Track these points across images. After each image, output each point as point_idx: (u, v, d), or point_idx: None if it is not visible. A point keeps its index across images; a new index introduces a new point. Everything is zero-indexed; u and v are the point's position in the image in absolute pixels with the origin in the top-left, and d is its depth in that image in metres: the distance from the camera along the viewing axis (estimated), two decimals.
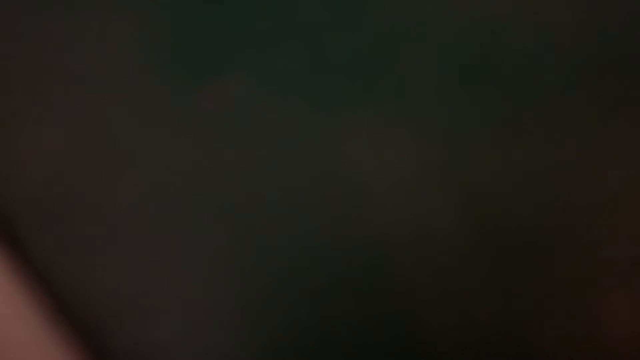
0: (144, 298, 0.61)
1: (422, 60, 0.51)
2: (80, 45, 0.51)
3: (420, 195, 0.56)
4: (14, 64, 0.52)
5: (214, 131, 0.54)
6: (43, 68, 0.52)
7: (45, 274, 0.60)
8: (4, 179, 0.56)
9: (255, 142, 0.55)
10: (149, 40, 0.51)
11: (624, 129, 0.53)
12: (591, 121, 0.53)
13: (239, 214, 0.58)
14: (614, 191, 0.55)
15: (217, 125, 0.54)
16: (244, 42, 0.51)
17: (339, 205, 0.57)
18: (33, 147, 0.55)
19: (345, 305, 0.62)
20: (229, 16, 0.50)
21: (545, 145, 0.54)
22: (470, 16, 0.50)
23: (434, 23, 0.50)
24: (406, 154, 0.55)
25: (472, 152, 0.54)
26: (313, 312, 0.62)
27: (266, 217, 0.58)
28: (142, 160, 0.55)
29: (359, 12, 0.50)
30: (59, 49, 0.51)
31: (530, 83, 0.52)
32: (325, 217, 0.58)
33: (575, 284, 0.59)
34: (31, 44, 0.51)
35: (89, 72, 0.52)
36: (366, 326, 0.63)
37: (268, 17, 0.50)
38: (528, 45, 0.50)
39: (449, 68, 0.52)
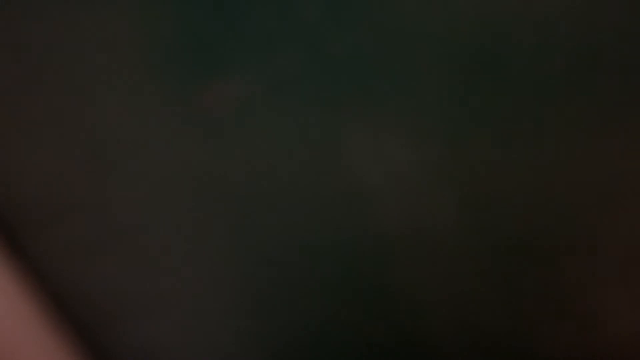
0: (144, 298, 0.61)
1: (422, 60, 0.51)
2: (81, 46, 0.51)
3: (420, 195, 0.57)
4: (14, 65, 0.52)
5: (214, 131, 0.54)
6: (42, 70, 0.52)
7: (46, 275, 0.60)
8: (4, 181, 0.56)
9: (255, 143, 0.55)
10: (150, 41, 0.51)
11: (624, 129, 0.53)
12: (591, 121, 0.53)
13: (239, 214, 0.58)
14: (614, 191, 0.55)
15: (217, 125, 0.54)
16: (244, 43, 0.51)
17: (339, 204, 0.57)
18: (33, 148, 0.55)
19: (346, 305, 0.62)
20: (230, 17, 0.50)
21: (546, 145, 0.54)
22: (470, 16, 0.50)
23: (434, 23, 0.50)
24: (406, 154, 0.55)
25: (472, 152, 0.55)
26: (314, 312, 0.62)
27: (266, 217, 0.58)
28: (143, 161, 0.55)
29: (359, 12, 0.50)
30: (58, 50, 0.52)
31: (531, 83, 0.52)
32: (326, 217, 0.58)
33: (575, 284, 0.59)
34: (31, 45, 0.51)
35: (89, 73, 0.52)
36: (367, 326, 0.63)
37: (268, 18, 0.50)
38: (528, 45, 0.51)
39: (449, 68, 0.52)
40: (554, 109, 0.53)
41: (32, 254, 0.59)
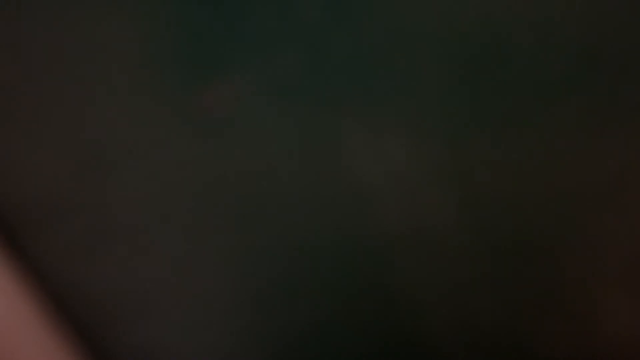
0: (144, 298, 0.61)
1: (422, 60, 0.51)
2: (80, 46, 0.51)
3: (420, 196, 0.57)
4: (13, 65, 0.52)
5: (214, 131, 0.54)
6: (42, 70, 0.52)
7: (46, 275, 0.60)
8: (4, 181, 0.56)
9: (255, 143, 0.55)
10: (149, 41, 0.51)
11: (624, 129, 0.53)
12: (591, 121, 0.53)
13: (239, 214, 0.58)
14: (614, 191, 0.55)
15: (217, 125, 0.54)
16: (244, 43, 0.51)
17: (339, 204, 0.57)
18: (33, 148, 0.55)
19: (346, 305, 0.62)
20: (230, 17, 0.50)
21: (546, 145, 0.54)
22: (470, 16, 0.50)
23: (434, 23, 0.50)
24: (406, 154, 0.55)
25: (472, 152, 0.55)
26: (314, 312, 0.62)
27: (266, 217, 0.58)
28: (142, 161, 0.55)
29: (359, 12, 0.50)
30: (59, 50, 0.52)
31: (531, 83, 0.52)
32: (326, 217, 0.58)
33: (575, 284, 0.59)
34: (31, 45, 0.51)
35: (88, 74, 0.52)
36: (367, 326, 0.63)
37: (268, 18, 0.50)
38: (528, 45, 0.51)
39: (449, 68, 0.52)
40: (554, 109, 0.53)
41: (32, 254, 0.59)
